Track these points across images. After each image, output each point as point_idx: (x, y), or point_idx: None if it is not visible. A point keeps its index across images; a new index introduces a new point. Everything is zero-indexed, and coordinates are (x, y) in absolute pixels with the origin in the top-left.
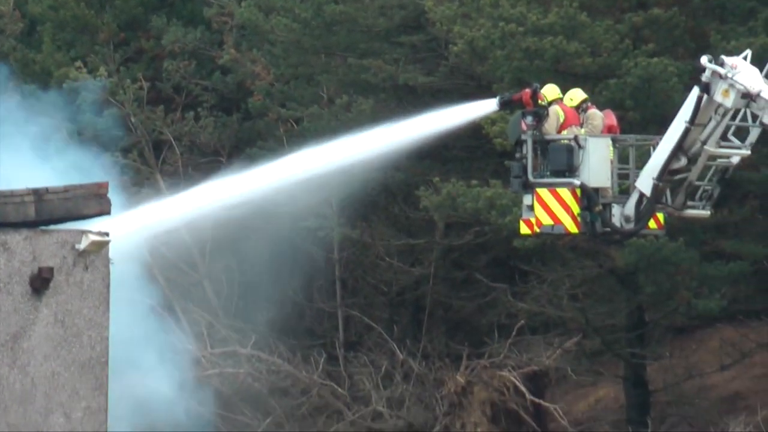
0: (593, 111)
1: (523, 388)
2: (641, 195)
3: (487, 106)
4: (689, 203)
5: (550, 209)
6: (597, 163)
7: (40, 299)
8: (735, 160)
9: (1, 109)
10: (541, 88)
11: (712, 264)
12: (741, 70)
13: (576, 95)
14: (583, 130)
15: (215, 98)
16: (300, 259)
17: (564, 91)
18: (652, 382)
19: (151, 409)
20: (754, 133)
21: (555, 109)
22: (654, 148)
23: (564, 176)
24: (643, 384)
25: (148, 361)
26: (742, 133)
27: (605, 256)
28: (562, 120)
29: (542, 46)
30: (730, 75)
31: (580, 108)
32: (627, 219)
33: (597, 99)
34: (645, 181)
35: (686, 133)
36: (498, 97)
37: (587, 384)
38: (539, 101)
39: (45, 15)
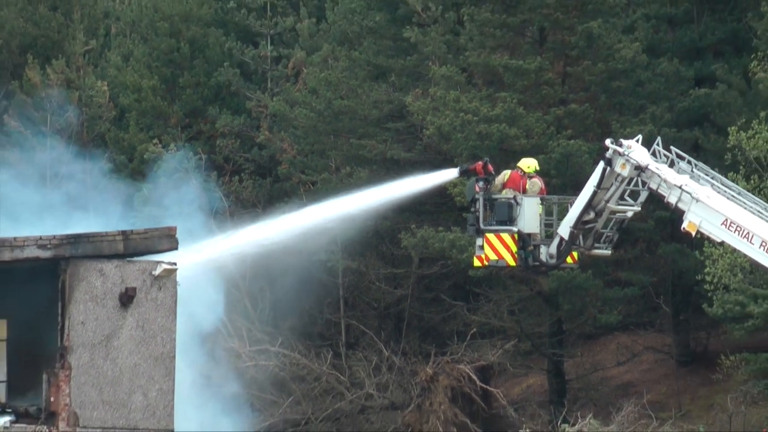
0: (535, 180)
1: (474, 377)
2: (561, 239)
3: (450, 174)
4: (596, 245)
5: (496, 248)
6: (530, 216)
7: (126, 310)
8: (629, 214)
9: (98, 174)
10: (490, 161)
11: (611, 289)
12: (634, 149)
13: (531, 164)
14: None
15: (254, 166)
16: (314, 283)
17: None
18: (568, 373)
19: (205, 389)
20: (643, 195)
21: (505, 172)
22: (571, 205)
23: (506, 225)
24: (562, 375)
25: (204, 357)
26: (634, 195)
27: (535, 282)
28: (505, 180)
29: (490, 131)
30: (626, 153)
31: (528, 175)
32: (551, 256)
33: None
34: (564, 229)
35: (594, 194)
36: (458, 168)
37: (521, 375)
38: (488, 171)
39: (131, 105)
